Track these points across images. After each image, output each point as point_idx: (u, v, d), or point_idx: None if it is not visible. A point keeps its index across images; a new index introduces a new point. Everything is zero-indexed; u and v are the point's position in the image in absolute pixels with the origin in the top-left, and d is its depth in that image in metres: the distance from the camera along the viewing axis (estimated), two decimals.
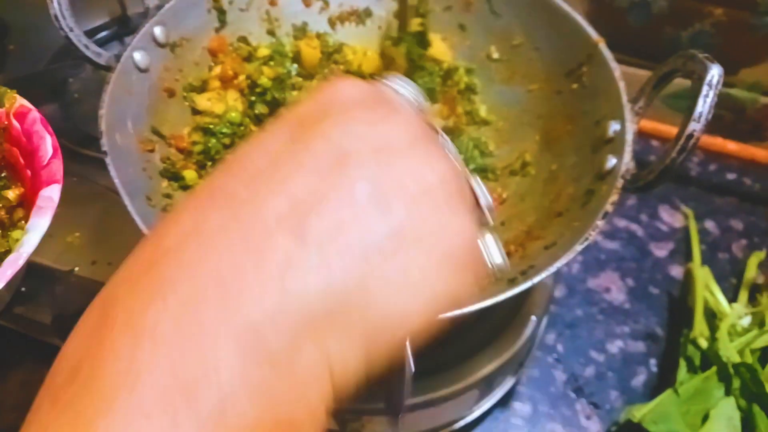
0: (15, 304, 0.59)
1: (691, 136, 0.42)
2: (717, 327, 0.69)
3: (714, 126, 0.88)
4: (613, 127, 0.53)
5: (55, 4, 0.52)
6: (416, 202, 0.24)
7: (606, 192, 0.48)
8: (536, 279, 0.44)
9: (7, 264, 0.42)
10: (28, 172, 0.51)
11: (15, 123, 0.52)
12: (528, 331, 0.60)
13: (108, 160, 0.48)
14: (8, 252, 0.47)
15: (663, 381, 0.71)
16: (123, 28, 0.87)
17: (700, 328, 0.69)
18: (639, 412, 0.62)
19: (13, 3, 0.93)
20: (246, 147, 0.26)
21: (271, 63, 0.64)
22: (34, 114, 0.51)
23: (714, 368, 0.64)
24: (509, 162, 0.64)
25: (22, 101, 0.52)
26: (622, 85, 0.54)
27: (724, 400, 0.62)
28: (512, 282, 0.47)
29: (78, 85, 0.78)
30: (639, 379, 0.72)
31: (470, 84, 0.68)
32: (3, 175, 0.53)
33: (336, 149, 0.24)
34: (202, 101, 0.61)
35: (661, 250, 0.83)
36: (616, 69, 0.56)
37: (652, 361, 0.74)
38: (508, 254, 0.55)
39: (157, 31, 0.58)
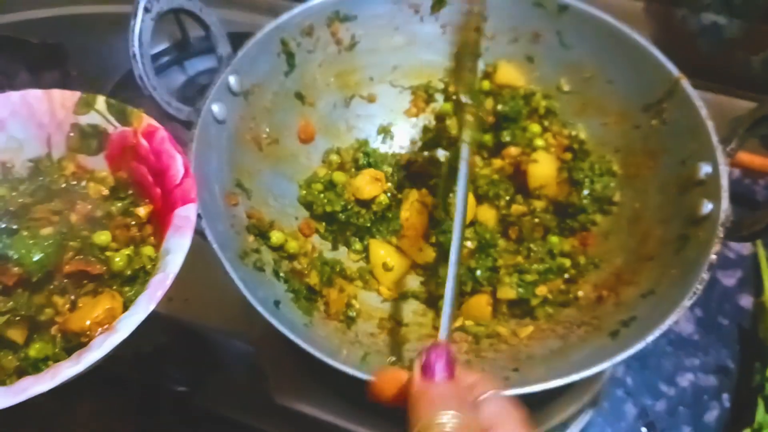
0: None
1: None
2: None
3: None
4: (704, 169, 0.52)
5: (140, 65, 0.52)
6: None
7: (704, 239, 0.47)
8: (649, 338, 0.43)
9: (156, 285, 0.42)
10: (157, 190, 0.50)
11: (143, 141, 0.51)
12: (607, 374, 0.59)
13: (204, 223, 0.48)
14: (142, 268, 0.48)
15: (737, 417, 0.70)
16: (183, 52, 0.88)
17: None
18: None
19: (71, 28, 0.95)
20: None
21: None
22: (162, 133, 0.50)
23: None
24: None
25: (149, 120, 0.51)
26: (710, 124, 0.53)
27: None
28: (615, 335, 0.46)
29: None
30: (712, 415, 0.70)
31: (550, 107, 0.67)
32: (130, 192, 0.53)
33: None
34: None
35: (729, 279, 0.81)
36: (702, 107, 0.55)
37: (725, 396, 0.72)
38: (600, 299, 0.54)
39: (232, 80, 0.58)
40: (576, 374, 0.42)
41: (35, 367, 0.42)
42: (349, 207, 0.62)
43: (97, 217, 0.51)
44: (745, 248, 0.84)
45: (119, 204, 0.52)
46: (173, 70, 0.89)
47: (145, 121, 0.52)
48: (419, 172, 0.66)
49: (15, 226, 0.47)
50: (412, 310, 0.60)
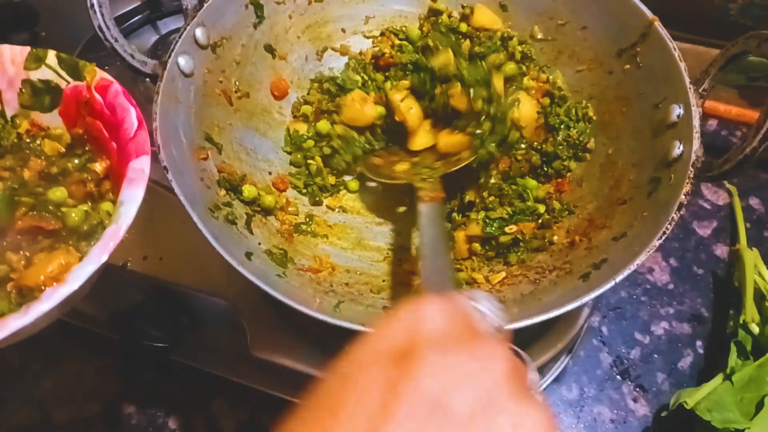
0: None
1: None
2: None
3: (757, 99, 0.86)
4: (676, 111, 0.51)
5: (99, 16, 0.51)
6: None
7: (676, 181, 0.47)
8: (618, 278, 0.43)
9: (109, 236, 0.41)
10: (114, 145, 0.50)
11: (97, 96, 0.50)
12: (581, 320, 0.60)
13: (170, 176, 0.47)
14: (100, 224, 0.47)
15: (710, 363, 0.71)
16: (155, 11, 0.86)
17: (750, 312, 0.68)
18: (691, 399, 0.62)
19: None
20: (338, 383, 0.27)
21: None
22: (116, 86, 0.49)
23: (767, 355, 0.64)
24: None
25: (102, 74, 0.50)
26: (683, 66, 0.53)
27: None
28: (586, 277, 0.47)
29: (113, 73, 0.77)
30: (686, 361, 0.72)
31: (526, 52, 0.66)
32: (87, 148, 0.52)
33: (432, 402, 0.25)
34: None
35: (704, 229, 0.82)
36: (675, 49, 0.54)
37: (699, 343, 0.73)
38: (572, 243, 0.54)
39: (199, 32, 0.57)
40: (546, 314, 0.43)
41: None
42: (357, 143, 0.63)
43: (52, 174, 0.51)
44: (720, 198, 0.84)
45: (76, 161, 0.51)
46: (146, 30, 0.87)
47: (98, 75, 0.50)
48: (391, 63, 0.65)
49: None
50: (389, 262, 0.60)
